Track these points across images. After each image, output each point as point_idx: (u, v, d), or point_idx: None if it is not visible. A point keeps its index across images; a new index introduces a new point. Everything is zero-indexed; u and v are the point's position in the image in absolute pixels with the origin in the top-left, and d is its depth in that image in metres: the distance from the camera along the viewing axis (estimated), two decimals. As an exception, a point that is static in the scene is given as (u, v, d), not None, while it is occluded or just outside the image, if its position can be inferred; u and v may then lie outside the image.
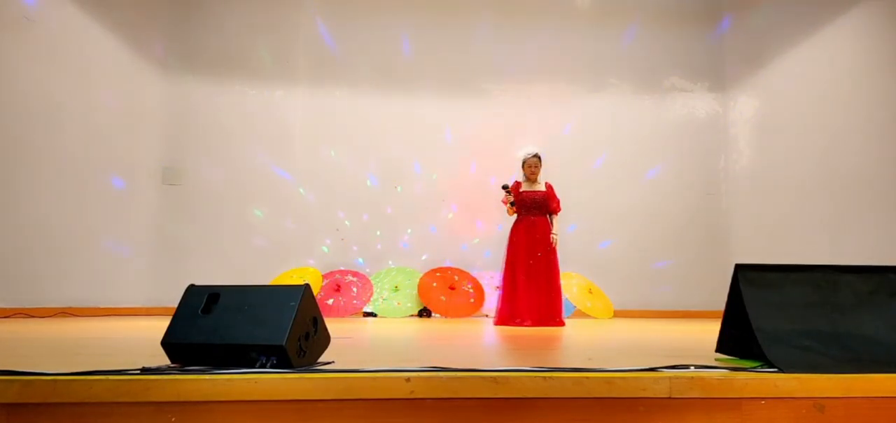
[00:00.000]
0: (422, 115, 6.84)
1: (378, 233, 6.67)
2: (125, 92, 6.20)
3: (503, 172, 6.24)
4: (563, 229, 6.40)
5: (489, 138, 6.80)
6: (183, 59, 6.58)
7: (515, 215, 5.10)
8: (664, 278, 6.71)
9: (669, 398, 1.50)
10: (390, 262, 6.59)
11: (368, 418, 1.44)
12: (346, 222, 6.63)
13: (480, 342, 3.10)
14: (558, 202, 5.10)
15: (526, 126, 6.81)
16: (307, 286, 1.70)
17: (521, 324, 4.74)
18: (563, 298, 5.22)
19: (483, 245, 6.70)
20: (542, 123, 6.85)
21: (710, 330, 3.52)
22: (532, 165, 5.04)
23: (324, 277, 6.24)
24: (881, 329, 1.87)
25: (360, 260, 6.58)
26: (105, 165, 5.97)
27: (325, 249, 6.57)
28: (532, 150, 5.13)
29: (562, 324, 4.77)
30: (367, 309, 6.01)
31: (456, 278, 6.31)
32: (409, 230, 6.71)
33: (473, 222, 6.75)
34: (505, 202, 5.04)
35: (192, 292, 1.74)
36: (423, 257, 6.62)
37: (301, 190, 6.62)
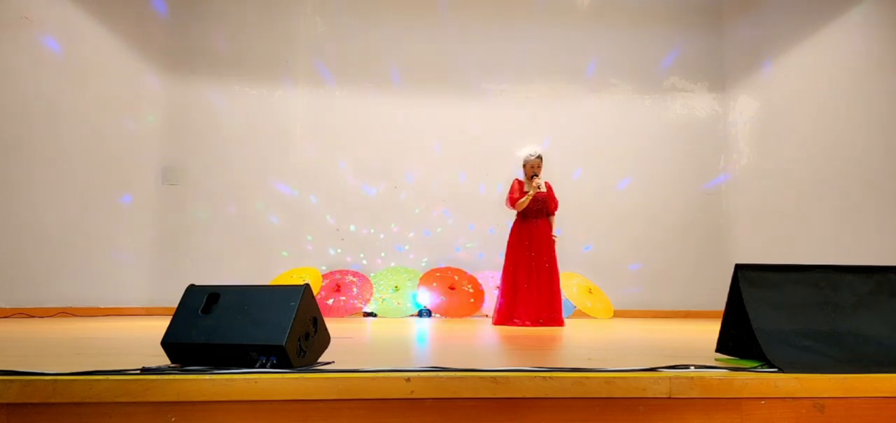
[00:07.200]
0: (421, 115, 6.83)
1: (374, 234, 6.66)
2: (125, 92, 6.20)
3: (502, 172, 6.27)
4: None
5: (488, 139, 6.80)
6: (183, 59, 6.58)
7: (516, 215, 5.10)
8: (663, 278, 6.70)
9: (669, 398, 1.50)
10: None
11: (368, 418, 1.44)
12: (345, 224, 6.63)
13: (480, 342, 3.09)
14: (556, 202, 5.10)
15: (525, 127, 6.81)
16: (307, 286, 1.70)
17: (520, 324, 4.73)
18: (563, 298, 5.21)
19: (477, 248, 6.69)
20: (542, 124, 6.86)
21: (710, 330, 3.53)
22: (534, 166, 5.03)
23: (324, 277, 6.24)
24: (881, 329, 1.87)
25: (356, 263, 6.57)
26: (105, 166, 5.96)
27: (330, 250, 6.57)
28: (534, 150, 5.14)
29: (561, 324, 4.76)
30: (367, 309, 6.00)
31: (456, 278, 6.30)
32: (404, 233, 6.70)
33: (467, 225, 6.74)
34: (524, 191, 4.98)
35: (192, 292, 1.74)
36: (423, 262, 6.61)
37: (301, 191, 6.61)
